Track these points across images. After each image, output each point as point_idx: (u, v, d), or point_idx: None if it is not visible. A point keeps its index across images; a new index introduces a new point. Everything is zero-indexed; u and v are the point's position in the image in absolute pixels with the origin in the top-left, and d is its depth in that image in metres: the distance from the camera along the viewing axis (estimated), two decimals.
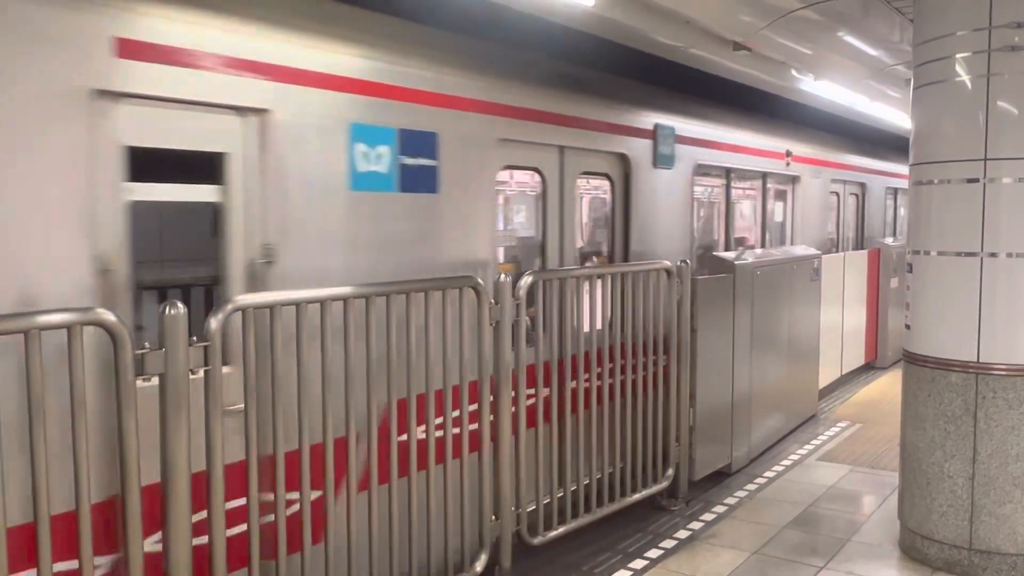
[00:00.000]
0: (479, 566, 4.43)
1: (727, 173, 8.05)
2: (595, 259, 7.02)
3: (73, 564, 2.86)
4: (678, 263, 5.81)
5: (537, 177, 5.61)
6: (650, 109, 6.54)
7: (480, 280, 4.31)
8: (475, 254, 4.80)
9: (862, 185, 11.77)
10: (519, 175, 6.53)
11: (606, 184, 6.34)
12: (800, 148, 9.35)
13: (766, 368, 7.07)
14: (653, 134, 6.46)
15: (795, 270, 7.63)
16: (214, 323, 3.13)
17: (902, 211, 14.18)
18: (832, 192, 10.65)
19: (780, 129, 9.13)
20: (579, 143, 5.69)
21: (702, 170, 7.42)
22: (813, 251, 8.36)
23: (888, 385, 9.84)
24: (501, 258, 5.95)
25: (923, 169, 4.86)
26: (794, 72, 7.68)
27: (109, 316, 2.79)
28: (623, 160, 6.18)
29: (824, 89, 8.40)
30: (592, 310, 5.20)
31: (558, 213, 5.61)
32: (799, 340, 7.77)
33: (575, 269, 5.25)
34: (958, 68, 4.63)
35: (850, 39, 6.76)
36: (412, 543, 4.03)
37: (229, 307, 3.19)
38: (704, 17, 5.90)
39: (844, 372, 9.91)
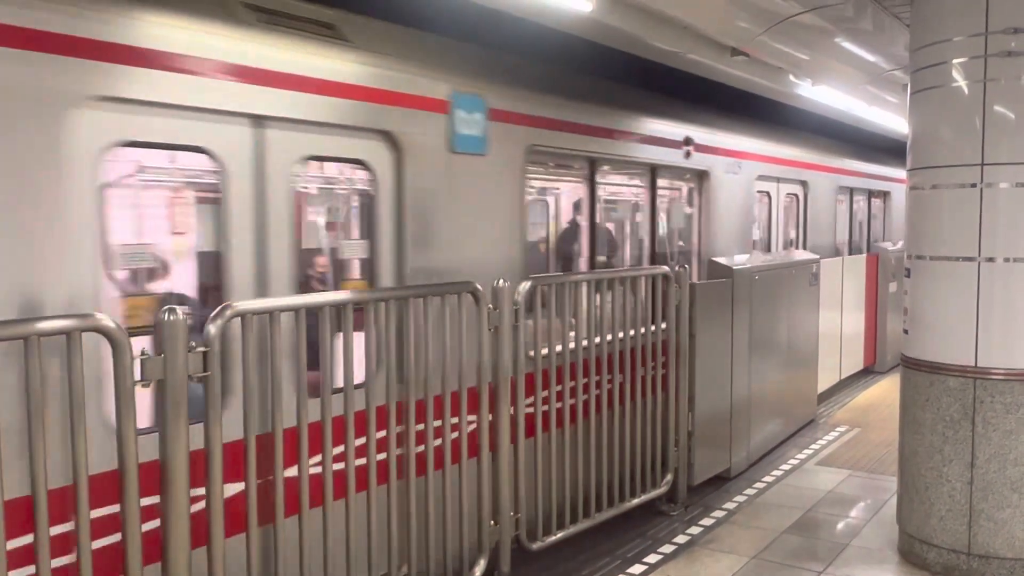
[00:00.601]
0: (478, 571, 4.43)
1: (590, 164, 6.18)
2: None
3: None
4: (676, 268, 5.82)
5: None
6: (442, 71, 4.77)
7: (479, 285, 4.32)
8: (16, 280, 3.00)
9: (803, 183, 9.79)
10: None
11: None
12: (709, 136, 7.50)
13: (765, 373, 7.08)
14: (448, 106, 4.73)
15: (794, 275, 7.64)
16: (213, 329, 3.14)
17: (863, 214, 12.47)
18: (760, 191, 8.85)
19: (678, 110, 7.32)
20: (298, 113, 3.94)
21: (545, 159, 5.88)
22: (812, 256, 8.36)
23: (887, 389, 9.84)
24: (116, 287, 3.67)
25: (921, 174, 4.88)
26: (792, 77, 7.71)
27: (108, 322, 2.80)
28: (391, 141, 4.42)
29: (822, 94, 8.42)
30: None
31: (252, 217, 3.81)
32: (798, 344, 7.77)
33: (575, 274, 5.24)
34: (955, 73, 4.65)
35: (848, 44, 6.78)
36: (411, 547, 4.04)
37: (229, 312, 3.20)
38: (702, 23, 5.92)
39: (843, 376, 9.92)
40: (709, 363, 6.19)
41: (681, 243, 7.67)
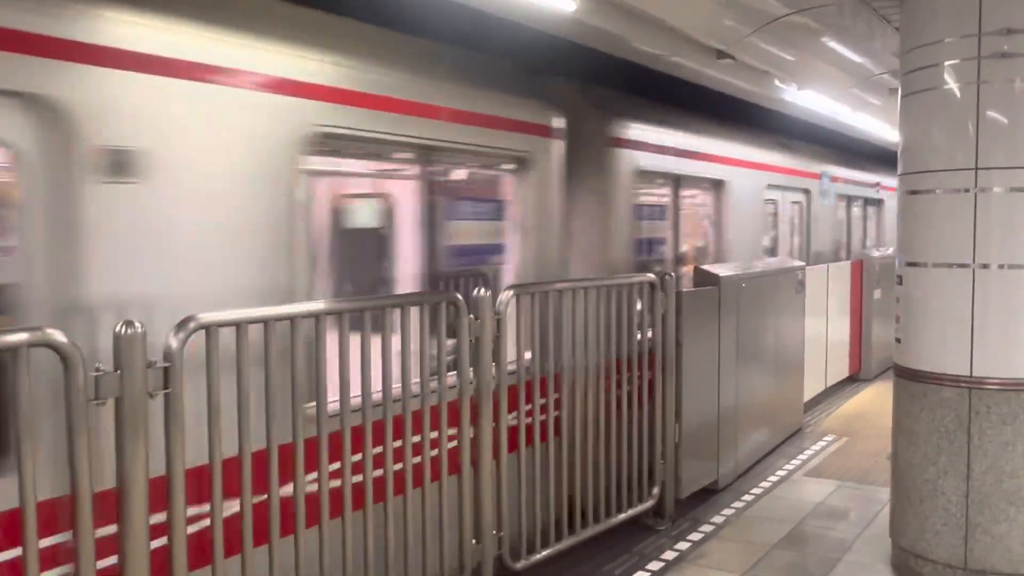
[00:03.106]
0: None
1: None
2: None
3: None
4: (663, 276, 5.67)
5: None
6: None
7: (459, 295, 4.15)
8: None
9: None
10: None
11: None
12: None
13: (752, 382, 6.94)
14: None
15: (780, 283, 7.52)
16: (175, 342, 2.94)
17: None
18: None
19: None
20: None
21: None
22: (798, 263, 8.25)
23: (873, 397, 9.75)
24: None
25: (912, 179, 4.76)
26: (777, 82, 7.60)
27: (59, 337, 2.60)
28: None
29: (808, 99, 8.33)
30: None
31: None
32: (784, 353, 7.65)
33: (556, 282, 5.07)
34: (947, 76, 4.53)
35: (836, 46, 6.69)
36: (388, 571, 3.85)
37: (192, 324, 3.01)
38: (688, 24, 5.79)
39: (829, 384, 9.82)
40: (696, 372, 6.04)
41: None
